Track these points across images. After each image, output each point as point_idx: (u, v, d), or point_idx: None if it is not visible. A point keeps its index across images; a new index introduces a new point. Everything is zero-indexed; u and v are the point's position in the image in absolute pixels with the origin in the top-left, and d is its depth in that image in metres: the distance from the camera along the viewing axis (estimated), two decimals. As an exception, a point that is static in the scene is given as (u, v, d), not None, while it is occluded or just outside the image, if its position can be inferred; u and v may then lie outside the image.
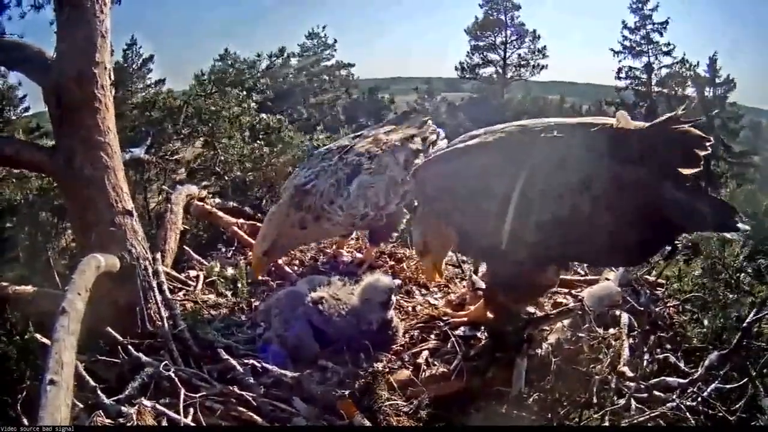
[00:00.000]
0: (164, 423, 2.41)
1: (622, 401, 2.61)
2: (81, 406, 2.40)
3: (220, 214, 4.84)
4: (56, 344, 2.03)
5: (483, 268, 3.72)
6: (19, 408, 2.45)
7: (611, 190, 2.46)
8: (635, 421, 2.53)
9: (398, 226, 3.98)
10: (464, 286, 3.72)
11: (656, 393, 2.70)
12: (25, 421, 2.38)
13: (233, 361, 2.75)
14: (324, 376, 2.74)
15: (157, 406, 2.44)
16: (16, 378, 2.85)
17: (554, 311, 3.21)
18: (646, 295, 3.45)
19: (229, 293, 3.70)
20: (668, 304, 3.48)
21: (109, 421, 2.38)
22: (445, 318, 3.25)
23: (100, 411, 2.41)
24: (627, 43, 30.29)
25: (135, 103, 8.02)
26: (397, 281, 3.23)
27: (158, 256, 3.48)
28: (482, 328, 3.11)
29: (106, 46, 3.16)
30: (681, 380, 2.80)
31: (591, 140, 2.52)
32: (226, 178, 6.20)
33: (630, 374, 2.77)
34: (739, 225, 2.40)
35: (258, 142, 6.45)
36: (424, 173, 3.03)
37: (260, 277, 3.74)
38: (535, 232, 2.56)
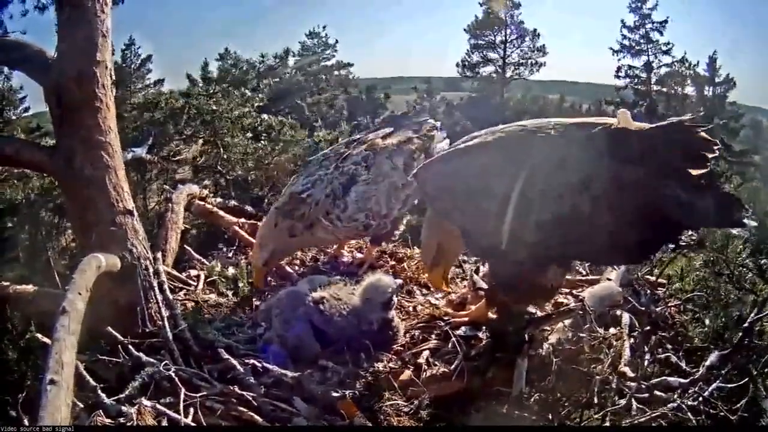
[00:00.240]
0: (164, 423, 2.40)
1: (623, 401, 2.61)
2: (81, 405, 2.40)
3: (222, 213, 4.84)
4: (56, 344, 2.03)
5: (484, 268, 3.72)
6: (19, 408, 2.45)
7: (611, 189, 2.45)
8: (636, 422, 2.52)
9: (400, 226, 3.96)
10: (465, 286, 3.72)
11: (657, 393, 2.69)
12: (26, 421, 2.38)
13: (234, 361, 2.74)
14: (324, 376, 2.74)
15: (158, 405, 2.44)
16: (17, 378, 2.85)
17: (555, 311, 3.20)
18: (647, 295, 3.44)
19: (230, 293, 3.69)
20: (669, 304, 3.46)
21: (109, 420, 2.38)
22: (446, 318, 3.24)
23: (101, 411, 2.41)
24: (626, 42, 30.25)
25: (135, 104, 8.04)
26: (399, 281, 3.21)
27: (159, 255, 3.48)
28: (483, 328, 3.10)
29: (107, 46, 3.15)
30: (682, 380, 2.79)
31: (591, 140, 2.51)
32: (228, 177, 6.21)
33: (631, 374, 2.76)
34: (746, 221, 2.38)
35: (260, 142, 6.45)
36: (425, 174, 3.02)
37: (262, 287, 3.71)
38: (535, 232, 2.55)
